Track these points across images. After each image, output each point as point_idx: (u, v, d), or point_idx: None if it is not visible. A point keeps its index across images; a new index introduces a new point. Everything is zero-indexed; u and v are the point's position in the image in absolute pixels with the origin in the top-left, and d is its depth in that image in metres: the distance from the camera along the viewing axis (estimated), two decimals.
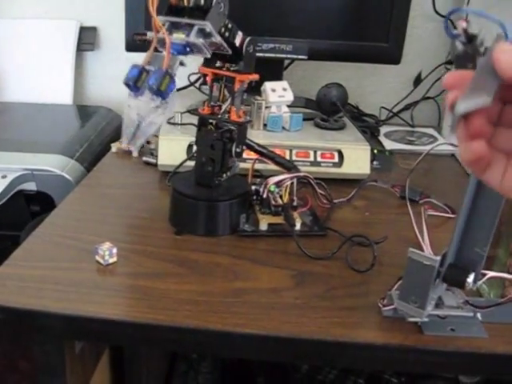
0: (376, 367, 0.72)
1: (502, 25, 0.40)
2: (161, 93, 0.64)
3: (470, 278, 0.57)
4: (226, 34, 0.72)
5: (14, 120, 1.30)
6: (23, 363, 1.19)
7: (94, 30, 1.44)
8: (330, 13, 1.15)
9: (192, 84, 1.23)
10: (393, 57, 1.18)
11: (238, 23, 1.14)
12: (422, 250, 0.58)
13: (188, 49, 0.66)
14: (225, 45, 0.72)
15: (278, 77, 1.14)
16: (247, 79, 0.76)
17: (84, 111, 1.40)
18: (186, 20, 0.66)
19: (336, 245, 0.75)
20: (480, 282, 0.59)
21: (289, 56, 1.15)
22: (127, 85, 0.65)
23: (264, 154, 0.84)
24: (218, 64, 0.77)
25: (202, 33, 0.66)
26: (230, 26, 0.72)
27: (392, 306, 0.62)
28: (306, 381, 1.24)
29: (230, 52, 0.74)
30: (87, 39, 1.43)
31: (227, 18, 0.71)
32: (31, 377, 1.18)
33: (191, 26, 0.66)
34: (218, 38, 0.66)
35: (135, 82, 0.65)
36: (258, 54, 1.11)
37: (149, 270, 0.70)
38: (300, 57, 1.14)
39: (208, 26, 0.65)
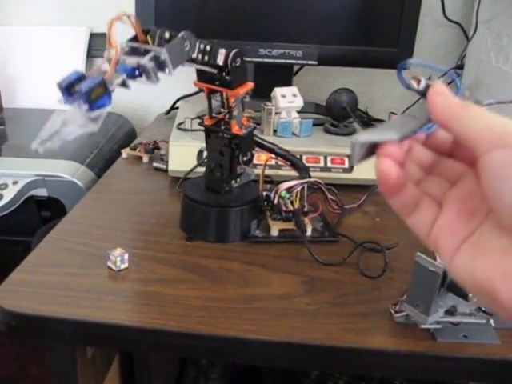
0: (388, 374, 0.72)
1: (451, 73, 0.40)
2: (89, 100, 0.59)
3: None
4: (206, 57, 0.70)
5: (25, 126, 1.31)
6: (34, 368, 1.20)
7: (103, 36, 1.44)
8: (340, 18, 1.15)
9: (202, 90, 1.23)
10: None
11: (247, 29, 1.16)
12: (435, 257, 0.58)
13: (137, 72, 0.62)
14: (206, 69, 0.72)
15: (287, 82, 1.15)
16: (238, 94, 0.75)
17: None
18: (145, 46, 0.64)
19: (347, 251, 0.75)
20: None
21: (299, 62, 1.15)
22: (60, 86, 0.59)
23: (275, 151, 0.84)
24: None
25: (157, 60, 0.62)
26: (208, 48, 0.70)
27: (404, 313, 0.62)
28: None
29: (215, 71, 0.73)
30: (97, 45, 1.44)
31: (209, 39, 0.70)
32: (42, 382, 1.19)
33: (148, 52, 0.63)
34: (171, 71, 0.63)
35: (69, 86, 0.59)
36: (267, 60, 1.14)
37: (160, 276, 0.70)
38: (310, 62, 1.14)
39: (163, 54, 0.62)
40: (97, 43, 1.43)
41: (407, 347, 0.60)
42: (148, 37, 0.66)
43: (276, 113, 1.02)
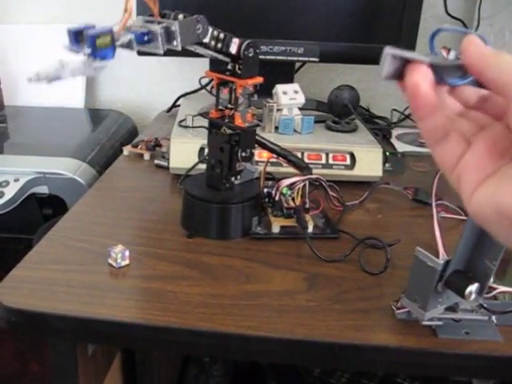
0: (390, 370, 0.72)
1: (481, 36, 0.40)
2: (94, 46, 0.58)
3: (473, 287, 0.56)
4: (219, 45, 0.72)
5: (26, 124, 1.31)
6: (35, 366, 1.20)
7: None
8: (342, 15, 1.15)
9: (203, 87, 1.23)
10: None
11: (249, 26, 1.15)
12: (437, 253, 0.57)
13: (146, 38, 0.64)
14: (219, 56, 0.74)
15: (289, 79, 1.15)
16: (247, 84, 0.76)
17: (96, 115, 1.40)
18: (158, 19, 0.67)
19: (348, 247, 0.75)
20: (489, 295, 0.59)
21: (300, 58, 1.15)
22: (68, 32, 0.60)
23: (276, 151, 0.84)
24: (230, 66, 0.78)
25: (167, 31, 0.65)
26: (221, 36, 0.72)
27: (406, 309, 0.62)
28: None
29: (228, 60, 0.75)
30: None
31: (221, 28, 0.72)
32: (42, 380, 1.19)
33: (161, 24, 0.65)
34: (178, 46, 0.65)
35: (77, 33, 0.60)
36: (269, 57, 1.13)
37: (161, 272, 0.70)
38: (311, 59, 1.14)
39: (174, 26, 0.64)
40: None
41: (409, 344, 0.60)
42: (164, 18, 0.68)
43: (277, 110, 1.02)
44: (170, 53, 0.67)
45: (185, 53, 0.70)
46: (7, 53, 1.41)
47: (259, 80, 0.77)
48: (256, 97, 0.80)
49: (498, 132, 0.38)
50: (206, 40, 0.70)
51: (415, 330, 0.61)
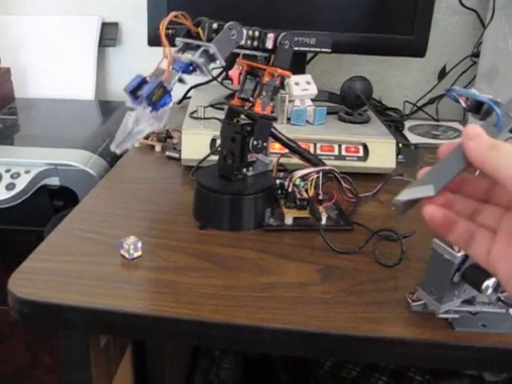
0: (404, 363, 0.71)
1: (490, 103, 0.40)
2: (152, 103, 0.66)
3: (490, 282, 0.55)
4: (255, 43, 0.75)
5: (37, 116, 1.31)
6: (47, 358, 1.20)
7: (115, 25, 1.44)
8: (354, 5, 1.14)
9: (214, 78, 1.22)
10: (417, 50, 1.17)
11: (261, 17, 1.14)
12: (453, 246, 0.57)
13: (191, 67, 0.68)
14: (257, 53, 0.77)
15: (301, 70, 1.13)
16: (275, 72, 0.76)
17: (106, 106, 1.40)
18: (195, 42, 0.70)
19: (362, 239, 0.74)
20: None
21: (312, 49, 1.14)
22: (126, 91, 0.67)
23: (292, 147, 0.83)
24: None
25: (207, 54, 0.68)
26: (256, 34, 0.74)
27: (421, 302, 0.61)
28: (329, 377, 1.23)
29: (266, 55, 0.77)
30: (109, 35, 1.43)
31: (254, 26, 0.75)
32: (54, 372, 1.19)
33: (199, 47, 0.69)
34: (222, 62, 0.69)
35: (134, 91, 0.67)
36: None
37: (173, 264, 0.70)
38: (324, 50, 1.13)
39: (212, 48, 0.67)
40: (108, 32, 1.43)
41: (424, 336, 0.59)
42: (199, 29, 0.71)
43: (290, 101, 1.01)
44: None
45: None
46: (18, 44, 1.41)
47: (288, 73, 0.78)
48: (282, 92, 0.81)
49: None
50: (243, 42, 0.73)
51: (431, 322, 0.60)
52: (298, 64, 1.17)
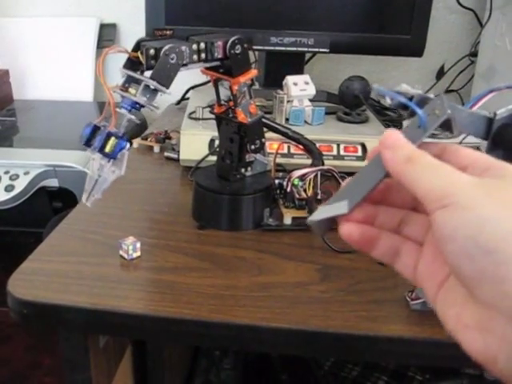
0: (404, 361, 0.71)
1: (410, 104, 0.38)
2: (106, 154, 0.64)
3: None
4: (202, 55, 0.69)
5: (36, 117, 1.31)
6: (47, 359, 1.20)
7: (113, 26, 1.44)
8: (352, 5, 1.14)
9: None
10: (415, 49, 1.17)
11: (258, 18, 1.14)
12: None
13: (138, 106, 0.65)
14: (208, 65, 0.72)
15: (299, 71, 1.14)
16: (239, 82, 0.73)
17: (105, 108, 1.40)
18: (137, 76, 0.66)
19: None
20: None
21: (310, 49, 1.14)
22: (82, 144, 0.65)
23: (288, 134, 0.83)
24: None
25: (149, 89, 0.65)
26: (202, 46, 0.69)
27: (420, 300, 0.61)
28: (329, 377, 1.23)
29: (219, 64, 0.73)
30: (107, 36, 1.43)
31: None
32: (55, 373, 1.19)
33: (141, 81, 0.65)
34: (166, 92, 0.66)
35: (88, 141, 0.65)
36: (279, 49, 1.12)
37: (172, 264, 0.70)
38: (322, 50, 1.13)
39: (152, 84, 0.64)
40: (107, 34, 1.43)
41: (423, 335, 0.59)
42: (139, 53, 0.67)
43: (288, 101, 1.01)
44: None
45: None
46: (16, 46, 1.41)
47: (252, 74, 0.74)
48: (258, 85, 0.78)
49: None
50: (186, 61, 0.68)
51: (430, 320, 0.60)
52: (296, 64, 1.18)
